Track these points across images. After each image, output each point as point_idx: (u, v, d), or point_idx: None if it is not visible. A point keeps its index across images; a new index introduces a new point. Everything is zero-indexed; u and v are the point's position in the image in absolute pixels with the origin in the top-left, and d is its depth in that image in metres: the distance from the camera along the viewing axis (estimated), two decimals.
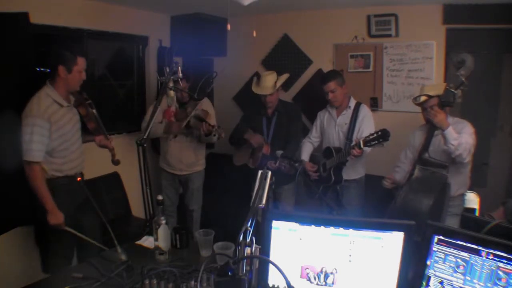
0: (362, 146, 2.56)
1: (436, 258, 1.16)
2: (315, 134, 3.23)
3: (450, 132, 2.29)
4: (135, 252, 1.88)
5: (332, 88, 2.93)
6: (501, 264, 1.04)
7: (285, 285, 1.03)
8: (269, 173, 1.39)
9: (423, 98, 2.45)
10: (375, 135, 2.49)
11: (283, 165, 2.29)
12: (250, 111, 3.40)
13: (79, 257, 2.74)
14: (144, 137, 2.04)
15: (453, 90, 2.02)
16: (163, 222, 1.80)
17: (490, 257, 1.06)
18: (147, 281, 1.46)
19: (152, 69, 3.93)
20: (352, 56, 3.64)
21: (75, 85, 2.38)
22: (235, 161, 3.46)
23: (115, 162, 2.64)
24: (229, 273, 1.06)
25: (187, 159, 3.29)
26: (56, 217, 2.26)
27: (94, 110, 2.53)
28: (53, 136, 2.27)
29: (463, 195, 1.70)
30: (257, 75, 3.32)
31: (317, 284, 1.25)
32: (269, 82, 3.12)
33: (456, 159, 2.33)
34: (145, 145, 1.99)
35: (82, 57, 2.36)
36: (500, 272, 1.04)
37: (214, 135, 2.88)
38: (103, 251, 1.93)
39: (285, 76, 3.23)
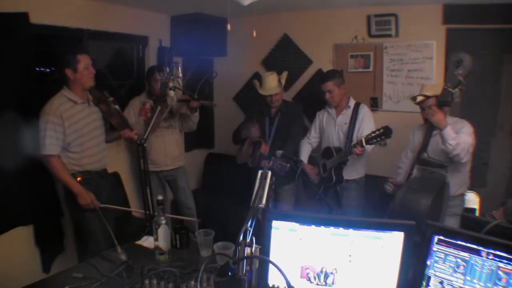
0: (364, 144, 2.55)
1: (436, 258, 1.16)
2: (314, 134, 3.22)
3: (448, 132, 2.29)
4: (135, 252, 1.88)
5: (329, 88, 2.93)
6: (501, 264, 1.04)
7: (285, 285, 1.03)
8: (269, 173, 1.39)
9: (420, 98, 2.45)
10: (377, 132, 2.47)
11: (276, 164, 2.29)
12: (253, 111, 3.41)
13: (79, 257, 2.74)
14: (145, 137, 2.04)
15: (450, 90, 2.01)
16: (163, 222, 1.80)
17: (490, 257, 1.06)
18: (147, 281, 1.46)
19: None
20: (352, 56, 3.64)
21: (87, 82, 2.50)
22: (237, 159, 3.47)
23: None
24: (229, 273, 1.06)
25: (171, 152, 3.38)
26: (85, 197, 2.41)
27: (116, 106, 2.64)
28: (67, 131, 2.41)
29: (462, 195, 1.70)
30: (258, 76, 3.32)
31: (317, 284, 1.25)
32: (273, 82, 3.13)
33: (454, 158, 2.33)
34: (145, 145, 2.00)
35: (82, 54, 2.47)
36: (500, 272, 1.04)
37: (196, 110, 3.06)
38: (104, 251, 1.92)
39: (285, 74, 3.24)
